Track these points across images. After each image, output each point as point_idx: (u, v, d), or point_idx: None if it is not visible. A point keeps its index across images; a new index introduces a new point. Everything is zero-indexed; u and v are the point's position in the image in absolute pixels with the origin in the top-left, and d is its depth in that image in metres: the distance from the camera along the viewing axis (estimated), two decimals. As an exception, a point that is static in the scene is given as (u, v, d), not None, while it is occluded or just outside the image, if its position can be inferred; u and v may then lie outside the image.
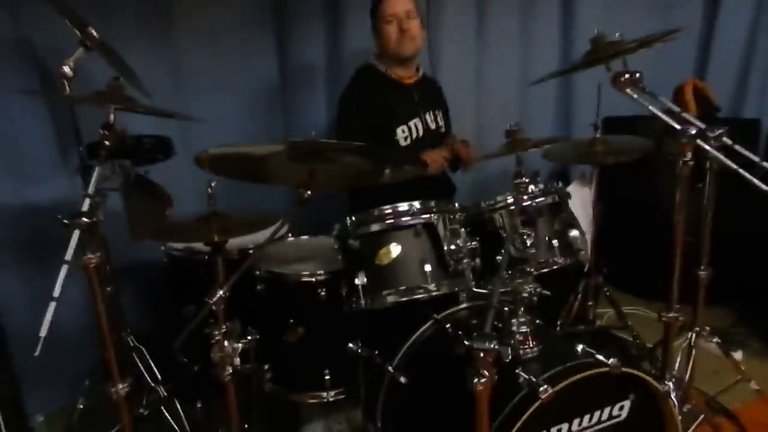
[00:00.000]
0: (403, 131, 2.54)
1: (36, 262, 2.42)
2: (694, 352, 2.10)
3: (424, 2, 3.05)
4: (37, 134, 2.43)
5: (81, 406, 2.32)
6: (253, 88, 2.98)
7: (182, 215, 1.99)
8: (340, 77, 2.91)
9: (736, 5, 3.50)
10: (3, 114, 2.36)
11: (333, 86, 3.02)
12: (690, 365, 2.09)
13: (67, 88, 1.76)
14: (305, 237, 2.47)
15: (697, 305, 2.12)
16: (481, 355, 1.17)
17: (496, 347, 1.16)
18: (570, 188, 2.22)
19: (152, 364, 2.32)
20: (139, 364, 2.29)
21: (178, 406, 2.26)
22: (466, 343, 1.18)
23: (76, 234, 1.52)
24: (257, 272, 2.08)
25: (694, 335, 2.11)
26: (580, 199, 2.62)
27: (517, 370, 1.47)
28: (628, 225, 3.18)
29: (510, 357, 1.41)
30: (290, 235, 2.44)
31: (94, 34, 1.90)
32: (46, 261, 2.29)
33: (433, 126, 2.64)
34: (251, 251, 2.19)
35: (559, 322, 2.57)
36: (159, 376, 2.31)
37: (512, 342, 1.57)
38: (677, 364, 2.11)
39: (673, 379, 1.80)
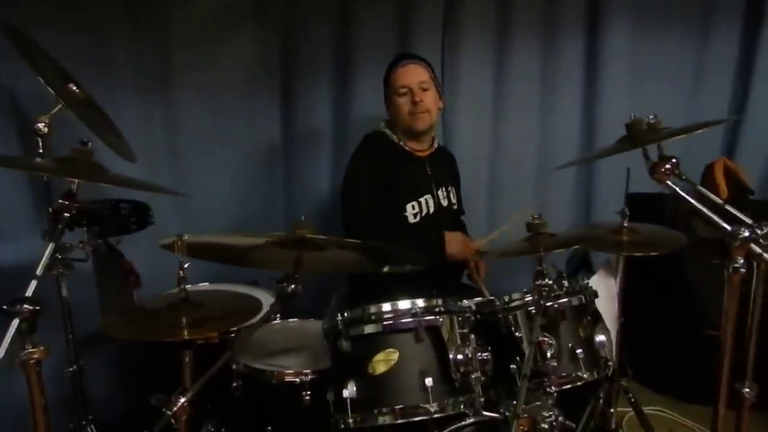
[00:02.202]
0: (413, 207, 2.33)
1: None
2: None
3: (440, 69, 2.90)
4: (10, 191, 2.27)
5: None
6: (254, 151, 2.86)
7: (152, 296, 1.77)
8: (346, 143, 2.78)
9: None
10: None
11: (339, 152, 2.88)
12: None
13: (41, 145, 1.66)
14: (294, 320, 2.21)
15: (741, 425, 1.83)
16: None
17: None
18: (594, 279, 1.99)
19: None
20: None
21: None
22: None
23: (15, 323, 1.30)
24: (234, 366, 1.82)
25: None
26: (605, 290, 2.35)
27: None
28: (653, 315, 2.92)
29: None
30: (277, 317, 2.19)
31: (75, 90, 1.78)
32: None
33: (445, 203, 2.44)
34: (232, 335, 1.94)
35: (575, 433, 2.27)
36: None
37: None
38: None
39: None
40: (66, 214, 1.46)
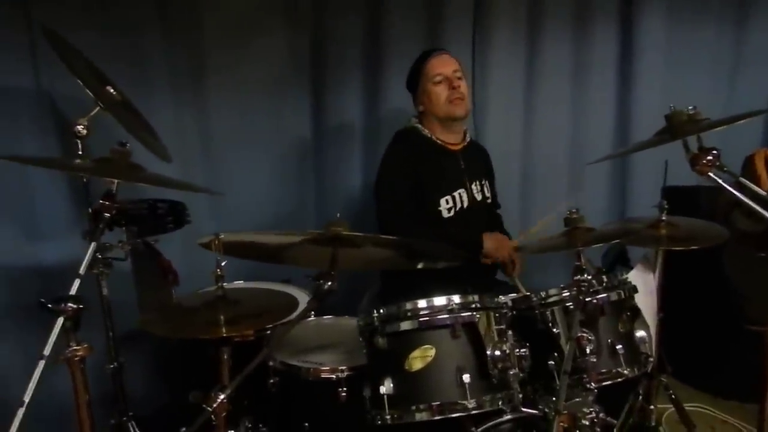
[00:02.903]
0: (447, 202, 2.31)
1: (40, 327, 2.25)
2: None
3: (470, 64, 2.88)
4: (50, 192, 2.33)
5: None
6: (286, 149, 2.86)
7: (189, 294, 1.79)
8: (377, 140, 2.77)
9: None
10: (17, 170, 2.27)
11: (370, 148, 2.87)
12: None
13: (80, 147, 1.66)
14: (329, 317, 2.21)
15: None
16: None
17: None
18: (632, 274, 1.95)
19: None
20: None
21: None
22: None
23: (60, 322, 1.33)
24: (270, 363, 1.83)
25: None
26: (643, 286, 2.30)
27: None
28: (692, 310, 2.85)
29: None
30: (312, 314, 2.19)
31: (112, 92, 1.81)
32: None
33: (479, 197, 2.41)
34: (268, 332, 1.95)
35: (615, 430, 2.23)
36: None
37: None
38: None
39: None
40: (106, 214, 1.48)
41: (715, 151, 1.50)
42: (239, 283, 2.27)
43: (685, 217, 2.22)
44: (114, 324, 2.03)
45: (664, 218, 2.14)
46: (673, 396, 2.35)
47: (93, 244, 1.44)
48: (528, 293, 1.79)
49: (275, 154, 2.84)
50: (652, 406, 2.33)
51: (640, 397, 2.30)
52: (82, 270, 1.39)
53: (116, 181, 1.48)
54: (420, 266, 1.71)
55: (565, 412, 1.35)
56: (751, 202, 1.47)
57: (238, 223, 2.70)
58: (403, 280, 2.20)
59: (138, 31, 2.47)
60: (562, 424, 1.34)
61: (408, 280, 2.07)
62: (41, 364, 1.25)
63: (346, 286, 2.64)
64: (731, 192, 1.49)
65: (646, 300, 2.24)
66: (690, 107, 1.61)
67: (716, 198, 2.82)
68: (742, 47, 3.20)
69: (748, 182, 1.59)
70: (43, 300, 1.33)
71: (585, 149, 3.09)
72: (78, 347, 1.39)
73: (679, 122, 1.57)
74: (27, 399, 1.22)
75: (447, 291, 1.58)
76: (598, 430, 1.33)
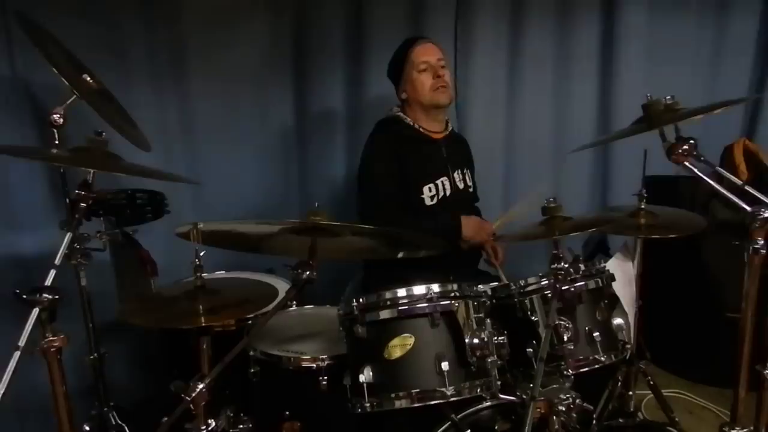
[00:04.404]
0: (430, 190, 2.32)
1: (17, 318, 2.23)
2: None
3: (453, 53, 2.87)
4: (28, 183, 2.30)
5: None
6: (268, 138, 2.86)
7: (168, 285, 1.78)
8: (360, 128, 2.77)
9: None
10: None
11: (353, 137, 2.88)
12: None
13: (56, 136, 1.64)
14: (311, 307, 2.21)
15: (762, 406, 1.80)
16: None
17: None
18: (611, 262, 1.97)
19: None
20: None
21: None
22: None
23: (35, 312, 1.32)
24: (251, 352, 1.83)
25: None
26: (622, 274, 2.32)
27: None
28: (671, 298, 2.89)
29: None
30: (293, 304, 2.19)
31: (89, 80, 1.78)
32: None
33: (461, 185, 2.42)
34: (249, 323, 1.95)
35: (594, 416, 2.26)
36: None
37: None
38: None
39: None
40: (82, 204, 1.47)
41: (692, 141, 1.50)
42: (220, 274, 2.27)
43: (664, 207, 2.24)
44: (94, 315, 2.03)
45: (643, 207, 2.16)
46: (651, 382, 2.38)
47: (69, 234, 1.43)
48: (508, 282, 1.79)
49: (257, 143, 2.83)
50: (630, 392, 2.36)
51: (619, 384, 2.33)
52: (57, 260, 1.38)
53: (92, 170, 1.47)
54: (401, 255, 1.71)
55: (542, 398, 1.36)
56: (726, 192, 1.48)
57: (219, 214, 2.69)
58: (385, 270, 2.20)
59: (117, 18, 2.45)
60: (538, 409, 1.36)
61: (391, 270, 2.07)
62: (16, 355, 1.24)
63: (329, 276, 2.68)
64: (709, 183, 1.50)
65: (625, 288, 2.27)
66: (668, 97, 1.61)
67: (696, 188, 2.85)
68: (723, 38, 3.20)
69: (725, 172, 1.61)
70: (17, 291, 1.32)
71: (567, 139, 3.09)
72: (54, 338, 1.37)
73: (656, 111, 1.57)
74: (2, 390, 1.20)
75: (429, 281, 1.58)
76: (575, 415, 1.35)
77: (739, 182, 1.55)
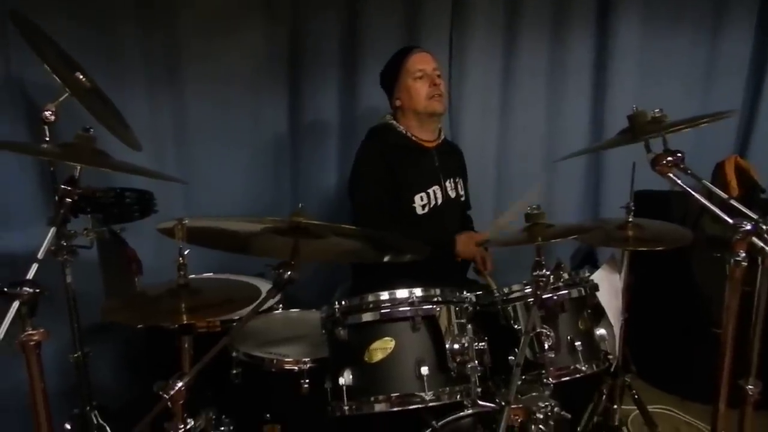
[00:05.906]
0: (422, 199, 2.32)
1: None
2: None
3: (447, 64, 2.90)
4: (19, 180, 2.30)
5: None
6: (261, 143, 2.87)
7: (153, 284, 1.78)
8: (353, 135, 2.78)
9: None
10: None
11: (345, 145, 2.88)
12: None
13: (47, 133, 1.63)
14: (296, 311, 2.21)
15: (744, 422, 1.79)
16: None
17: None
18: (597, 274, 1.97)
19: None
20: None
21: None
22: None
23: (15, 305, 1.31)
24: (233, 354, 1.82)
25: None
26: (609, 286, 2.32)
27: None
28: (659, 313, 2.89)
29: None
30: (279, 307, 2.19)
31: (82, 79, 1.79)
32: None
33: (453, 194, 2.43)
34: (234, 324, 1.95)
35: (579, 429, 2.25)
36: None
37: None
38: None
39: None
40: (68, 200, 1.47)
41: (679, 154, 1.51)
42: (208, 275, 2.27)
43: (652, 220, 2.25)
44: (80, 313, 2.01)
45: (630, 219, 2.17)
46: (636, 396, 2.37)
47: (53, 229, 1.43)
48: (494, 289, 1.80)
49: (250, 148, 2.84)
50: (615, 406, 2.35)
51: (604, 397, 2.32)
52: (40, 254, 1.38)
53: (79, 166, 1.47)
54: (386, 259, 1.71)
55: (520, 405, 1.36)
56: (711, 205, 1.49)
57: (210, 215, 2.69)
58: (374, 275, 2.20)
59: (113, 21, 2.45)
60: (516, 416, 1.35)
61: (379, 276, 2.06)
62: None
63: (319, 281, 2.67)
64: (693, 195, 1.50)
65: (611, 300, 2.26)
66: (656, 110, 1.62)
67: (687, 203, 2.86)
68: (717, 57, 3.22)
69: (712, 186, 1.61)
70: (-3, 284, 1.31)
71: (559, 151, 3.10)
72: (33, 332, 1.36)
73: (640, 122, 1.59)
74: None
75: (415, 287, 1.58)
76: (552, 423, 1.35)
77: (725, 196, 1.56)
